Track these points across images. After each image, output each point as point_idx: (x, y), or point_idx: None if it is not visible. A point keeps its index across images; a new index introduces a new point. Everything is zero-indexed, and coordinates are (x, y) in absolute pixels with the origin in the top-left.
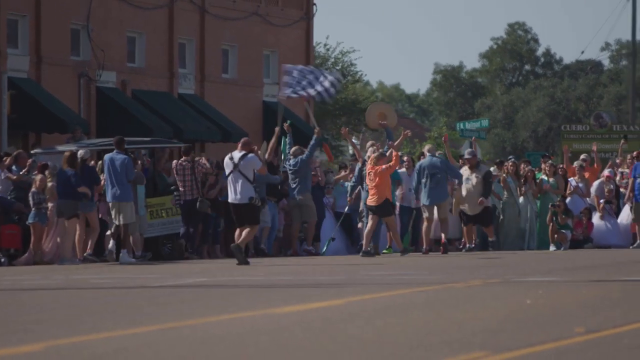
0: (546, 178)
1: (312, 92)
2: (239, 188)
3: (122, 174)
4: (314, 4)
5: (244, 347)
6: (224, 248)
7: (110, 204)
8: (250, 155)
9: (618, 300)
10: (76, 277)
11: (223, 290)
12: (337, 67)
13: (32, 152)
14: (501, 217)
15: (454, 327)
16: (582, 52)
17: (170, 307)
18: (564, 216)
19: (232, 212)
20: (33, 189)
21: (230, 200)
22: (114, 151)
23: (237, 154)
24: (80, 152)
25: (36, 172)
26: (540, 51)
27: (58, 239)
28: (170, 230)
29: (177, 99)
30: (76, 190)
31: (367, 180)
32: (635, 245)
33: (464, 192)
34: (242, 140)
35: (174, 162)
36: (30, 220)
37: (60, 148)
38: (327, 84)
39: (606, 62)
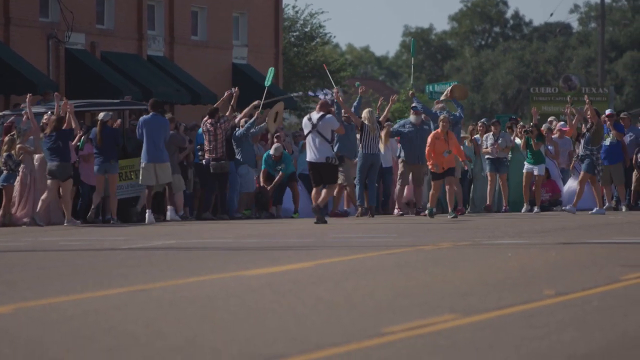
0: (518, 141)
1: None
2: (317, 147)
3: (160, 135)
4: None
5: (214, 309)
6: (193, 211)
7: (144, 164)
8: (329, 115)
9: (587, 263)
10: (45, 240)
11: (192, 252)
12: (306, 29)
13: (0, 114)
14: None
15: (423, 290)
16: (551, 15)
17: (139, 270)
18: (537, 141)
19: (309, 171)
20: (6, 152)
21: (308, 159)
22: (150, 114)
23: (315, 115)
24: (101, 115)
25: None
26: (509, 13)
27: (41, 201)
28: (139, 192)
29: (146, 61)
30: (69, 152)
31: (434, 143)
32: (605, 207)
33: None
34: (320, 101)
35: (202, 123)
36: (2, 183)
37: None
38: None
39: (575, 25)
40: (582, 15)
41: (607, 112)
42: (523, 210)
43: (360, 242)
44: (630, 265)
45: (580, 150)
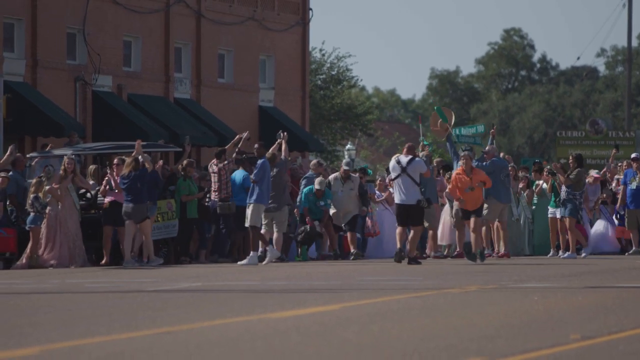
0: (546, 185)
1: None
2: (407, 190)
3: (269, 178)
4: (310, 9)
5: (240, 352)
6: (209, 254)
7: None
8: (417, 159)
9: (613, 307)
10: (71, 282)
11: (218, 295)
12: (333, 72)
13: (28, 155)
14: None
15: (450, 333)
16: (578, 58)
17: (165, 312)
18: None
19: (397, 213)
20: (33, 194)
21: (397, 201)
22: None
23: (404, 158)
24: (141, 158)
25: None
26: (536, 57)
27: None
28: (166, 234)
29: (173, 104)
30: (145, 193)
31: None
32: (631, 252)
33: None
34: (407, 145)
35: (209, 164)
36: (30, 224)
37: (56, 152)
38: None
39: (602, 68)
40: (609, 59)
41: (633, 155)
42: (549, 255)
43: (386, 284)
44: None
45: (562, 194)
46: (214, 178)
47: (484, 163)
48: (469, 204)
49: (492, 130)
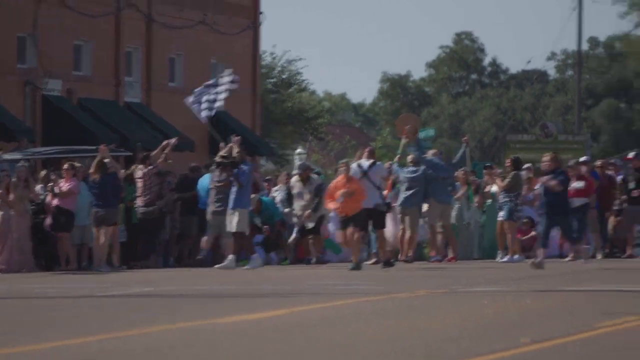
0: (495, 188)
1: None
2: (367, 193)
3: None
4: (261, 13)
5: (187, 357)
6: (161, 258)
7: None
8: (379, 163)
9: (562, 311)
10: (21, 287)
11: (169, 299)
12: (284, 76)
13: None
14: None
15: (399, 337)
16: (529, 62)
17: (116, 317)
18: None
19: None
20: None
21: None
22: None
23: (365, 162)
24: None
25: None
26: (486, 61)
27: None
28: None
29: (123, 108)
30: (113, 198)
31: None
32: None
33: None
34: (368, 149)
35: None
36: None
37: (6, 157)
38: (221, 90)
39: (552, 72)
40: (559, 62)
41: (582, 159)
42: (497, 259)
43: (337, 289)
44: (606, 313)
45: (499, 197)
46: (138, 183)
47: (415, 168)
48: (348, 209)
49: (465, 138)
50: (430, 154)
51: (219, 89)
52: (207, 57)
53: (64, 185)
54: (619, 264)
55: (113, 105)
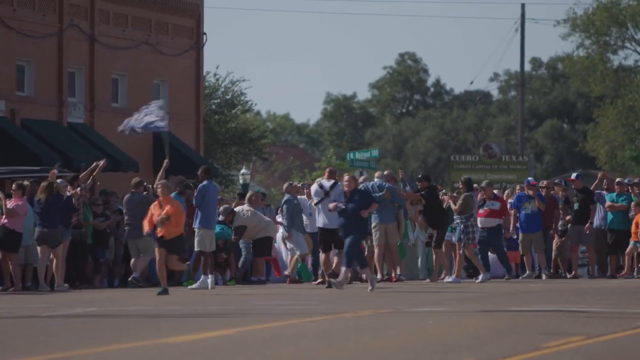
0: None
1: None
2: (329, 214)
3: (216, 202)
4: (204, 34)
5: None
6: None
7: (202, 231)
8: (339, 183)
9: (507, 331)
10: None
11: (113, 320)
12: (227, 97)
13: None
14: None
15: (343, 358)
16: (471, 83)
17: (59, 337)
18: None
19: (320, 237)
20: None
21: (320, 225)
22: (206, 181)
23: (326, 183)
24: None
25: None
26: (430, 81)
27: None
28: None
29: (66, 128)
30: (59, 218)
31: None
32: (525, 275)
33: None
34: (328, 169)
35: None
36: None
37: None
38: (152, 117)
39: (495, 93)
40: (502, 83)
41: (529, 179)
42: (445, 280)
43: (282, 309)
44: (550, 333)
45: (455, 219)
46: None
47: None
48: (167, 232)
49: (401, 171)
50: (376, 176)
51: (146, 115)
52: (151, 77)
53: (11, 204)
54: (563, 285)
55: (56, 125)
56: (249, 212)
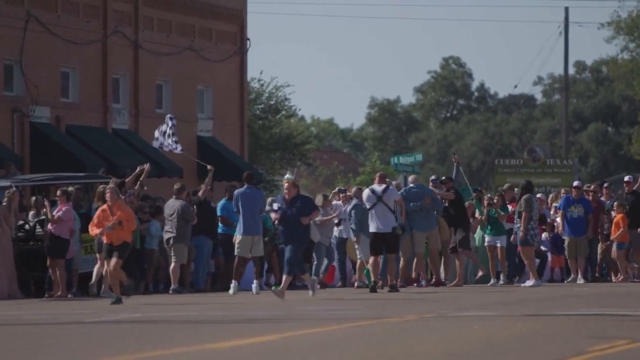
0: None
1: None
2: (383, 218)
3: (257, 208)
4: (248, 39)
5: None
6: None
7: (241, 237)
8: (391, 187)
9: (552, 335)
10: (9, 314)
11: (158, 325)
12: (272, 102)
13: None
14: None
15: None
16: (515, 86)
17: (104, 343)
18: (501, 212)
19: (372, 241)
20: None
21: (373, 230)
22: (245, 186)
23: (378, 187)
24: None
25: None
26: (474, 86)
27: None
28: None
29: (111, 134)
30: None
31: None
32: (569, 279)
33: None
34: (379, 174)
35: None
36: None
37: None
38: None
39: (539, 96)
40: (546, 87)
41: (575, 183)
42: (490, 284)
43: (327, 314)
44: (596, 337)
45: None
46: None
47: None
48: (114, 238)
49: (455, 157)
50: (410, 181)
51: (166, 134)
52: (194, 83)
53: (57, 211)
54: (608, 289)
55: (101, 132)
56: None
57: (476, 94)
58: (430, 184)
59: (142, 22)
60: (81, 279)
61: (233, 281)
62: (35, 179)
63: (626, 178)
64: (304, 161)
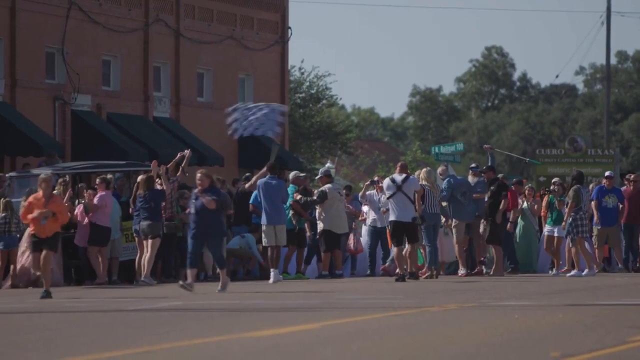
0: (526, 205)
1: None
2: (402, 208)
3: (278, 197)
4: (289, 28)
5: None
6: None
7: (265, 227)
8: (412, 177)
9: (593, 325)
10: (51, 301)
11: (198, 313)
12: (312, 91)
13: (7, 175)
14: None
15: (429, 351)
16: (557, 76)
17: (145, 331)
18: (560, 199)
19: (392, 231)
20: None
21: (393, 219)
22: (268, 176)
23: (398, 177)
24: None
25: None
26: (516, 75)
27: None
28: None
29: (152, 122)
30: (159, 211)
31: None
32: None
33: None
34: (400, 163)
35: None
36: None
37: (34, 171)
38: (272, 117)
39: (581, 87)
40: (588, 77)
41: (607, 173)
42: (552, 274)
43: (367, 303)
44: (637, 327)
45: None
46: None
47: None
48: (41, 231)
49: (487, 146)
50: (439, 170)
51: (264, 116)
52: (236, 72)
53: (95, 198)
54: None
55: (142, 120)
56: (336, 192)
57: (518, 83)
58: (470, 172)
59: (183, 10)
60: (122, 268)
61: (272, 270)
62: (77, 167)
63: None
64: (344, 150)
